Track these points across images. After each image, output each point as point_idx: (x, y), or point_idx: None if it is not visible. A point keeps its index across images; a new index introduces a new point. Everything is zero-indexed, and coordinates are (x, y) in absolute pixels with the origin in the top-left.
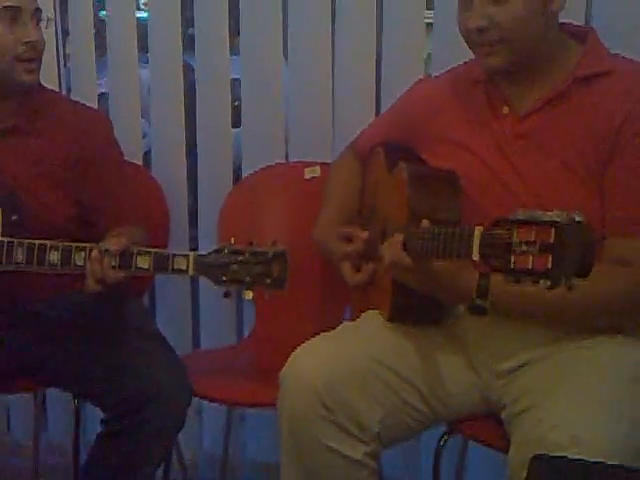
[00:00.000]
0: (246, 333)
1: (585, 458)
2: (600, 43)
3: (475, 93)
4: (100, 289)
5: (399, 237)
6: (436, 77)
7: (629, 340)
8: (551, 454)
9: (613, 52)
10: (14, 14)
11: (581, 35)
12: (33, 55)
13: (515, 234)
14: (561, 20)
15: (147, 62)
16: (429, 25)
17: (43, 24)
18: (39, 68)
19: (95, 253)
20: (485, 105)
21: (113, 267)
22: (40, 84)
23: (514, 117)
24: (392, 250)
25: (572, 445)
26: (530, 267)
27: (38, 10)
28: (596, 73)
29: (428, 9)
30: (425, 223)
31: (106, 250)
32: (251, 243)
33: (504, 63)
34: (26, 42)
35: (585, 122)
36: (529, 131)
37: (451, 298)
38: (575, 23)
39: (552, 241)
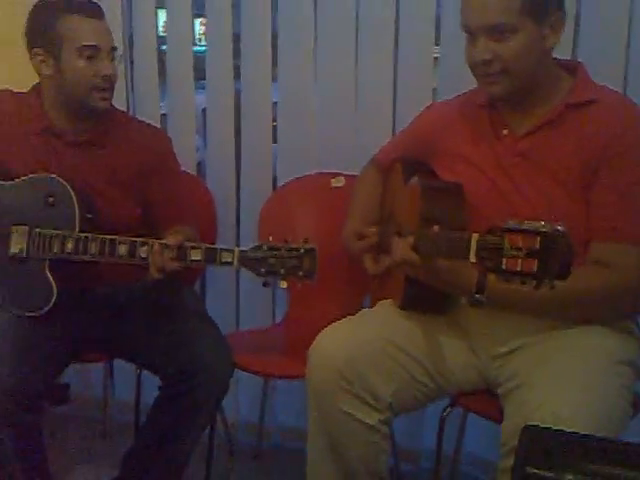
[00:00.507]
0: (278, 317)
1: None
2: (588, 75)
3: (479, 116)
4: (160, 277)
5: (410, 239)
6: (445, 102)
7: (607, 330)
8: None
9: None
10: (93, 52)
11: (572, 68)
12: (107, 86)
13: (506, 241)
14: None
15: (201, 88)
16: (436, 59)
17: (117, 60)
18: (111, 96)
19: (157, 247)
20: (488, 127)
21: (171, 259)
22: (112, 106)
23: (513, 138)
24: (403, 249)
25: (554, 422)
26: (519, 269)
27: (113, 49)
28: (584, 102)
29: (436, 45)
30: (436, 229)
31: (166, 245)
32: (286, 241)
33: (505, 91)
34: (102, 75)
35: (574, 144)
36: (525, 150)
37: (453, 291)
38: (566, 58)
39: (538, 247)
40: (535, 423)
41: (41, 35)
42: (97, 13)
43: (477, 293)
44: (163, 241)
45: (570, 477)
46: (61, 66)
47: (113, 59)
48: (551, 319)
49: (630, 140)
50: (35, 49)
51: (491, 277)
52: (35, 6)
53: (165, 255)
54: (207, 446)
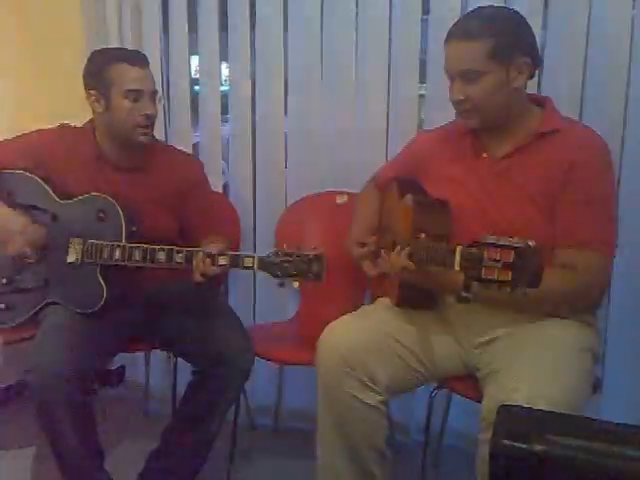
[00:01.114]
0: (290, 313)
1: None
2: (555, 108)
3: (463, 142)
4: (203, 281)
5: (407, 250)
6: (432, 130)
7: (571, 322)
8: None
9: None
10: (137, 95)
11: (541, 102)
12: (148, 124)
13: (485, 253)
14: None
15: (226, 121)
16: (422, 95)
17: (157, 101)
18: (152, 131)
19: (201, 255)
20: (470, 151)
21: (220, 265)
22: (154, 137)
23: (491, 160)
24: (401, 258)
25: (526, 401)
26: (495, 278)
27: (155, 92)
28: (552, 130)
29: (421, 83)
30: (422, 236)
31: (209, 253)
32: (298, 248)
33: (478, 124)
34: (144, 114)
35: (543, 166)
36: (502, 171)
37: (443, 291)
38: (535, 93)
39: (512, 260)
40: (510, 402)
41: (95, 78)
42: (142, 62)
43: (464, 291)
44: (207, 250)
45: (539, 447)
46: (110, 105)
47: (154, 101)
48: (524, 313)
49: (591, 162)
50: (90, 90)
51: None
52: (92, 54)
53: (207, 262)
54: (232, 423)
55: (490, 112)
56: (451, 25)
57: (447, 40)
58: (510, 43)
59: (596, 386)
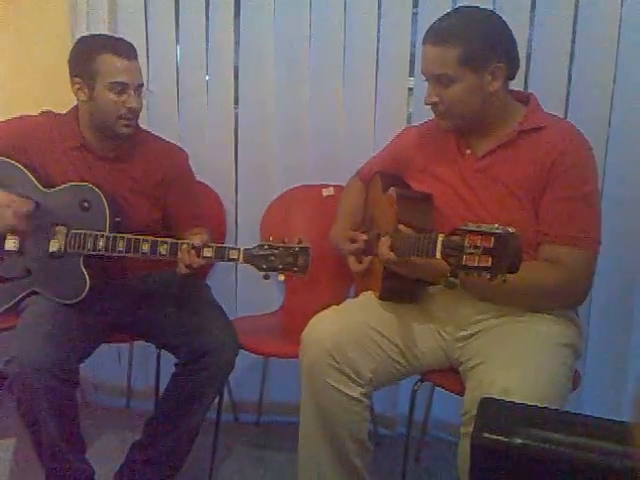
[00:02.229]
0: (273, 306)
1: None
2: (538, 105)
3: (446, 138)
4: (188, 272)
5: (387, 241)
6: (418, 126)
7: (552, 317)
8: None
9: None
10: (122, 87)
11: (524, 99)
12: (131, 117)
13: (466, 240)
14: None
15: None
16: (411, 89)
17: (143, 94)
18: (135, 124)
19: (186, 246)
20: (454, 147)
21: (204, 257)
22: (137, 125)
23: (474, 157)
24: (382, 250)
25: (506, 395)
26: (476, 265)
27: (140, 85)
28: (535, 127)
29: (410, 76)
30: (402, 227)
31: (193, 245)
32: (284, 241)
33: (453, 126)
34: (128, 107)
35: (526, 162)
36: (485, 167)
37: (430, 278)
38: (520, 89)
39: (492, 246)
40: (490, 396)
41: (81, 66)
42: (130, 54)
43: (451, 276)
44: (191, 241)
45: (519, 441)
46: (94, 95)
47: (139, 94)
48: (508, 306)
49: (574, 160)
50: (75, 77)
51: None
52: (79, 40)
53: (192, 253)
54: (215, 415)
55: (464, 116)
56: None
57: (423, 42)
58: (482, 50)
59: (577, 381)
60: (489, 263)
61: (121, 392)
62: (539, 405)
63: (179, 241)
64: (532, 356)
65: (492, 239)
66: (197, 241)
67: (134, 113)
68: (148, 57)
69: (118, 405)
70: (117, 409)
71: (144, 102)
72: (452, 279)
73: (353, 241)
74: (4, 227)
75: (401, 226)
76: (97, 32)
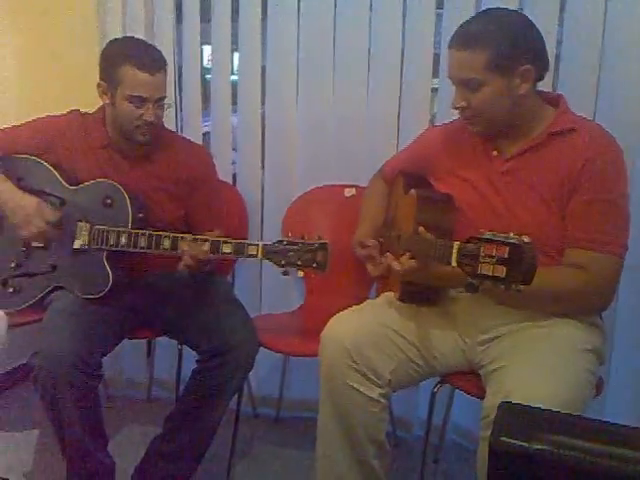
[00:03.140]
0: (297, 303)
1: None
2: (568, 107)
3: (473, 139)
4: (191, 263)
5: (408, 255)
6: (443, 125)
7: (576, 321)
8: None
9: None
10: (141, 100)
11: (554, 101)
12: (147, 129)
13: (482, 249)
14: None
15: (236, 111)
16: (435, 89)
17: (165, 106)
18: (152, 134)
19: (189, 237)
20: (480, 148)
21: (203, 251)
22: (162, 125)
23: (501, 159)
24: (403, 261)
25: (527, 400)
26: (491, 274)
27: (161, 98)
28: (564, 130)
29: (434, 77)
30: (422, 230)
31: (195, 238)
32: (303, 237)
33: (481, 130)
34: (144, 120)
35: (555, 165)
36: (511, 170)
37: (449, 283)
38: (549, 91)
39: (506, 256)
40: (510, 400)
41: (106, 72)
42: (154, 67)
43: (471, 279)
44: (195, 236)
45: (538, 446)
46: (115, 102)
47: (159, 107)
48: (531, 310)
49: (603, 163)
50: (100, 81)
51: None
52: (108, 44)
53: (196, 246)
54: (234, 412)
55: (492, 119)
56: (465, 20)
57: (449, 47)
58: (510, 53)
59: (600, 388)
60: (503, 273)
61: (143, 385)
62: (560, 410)
63: (198, 237)
64: (555, 361)
65: (507, 249)
66: (214, 234)
67: (151, 125)
68: (179, 58)
69: (140, 398)
70: (139, 403)
71: (166, 112)
72: (473, 281)
73: (363, 246)
74: (31, 235)
75: (421, 229)
76: (132, 33)
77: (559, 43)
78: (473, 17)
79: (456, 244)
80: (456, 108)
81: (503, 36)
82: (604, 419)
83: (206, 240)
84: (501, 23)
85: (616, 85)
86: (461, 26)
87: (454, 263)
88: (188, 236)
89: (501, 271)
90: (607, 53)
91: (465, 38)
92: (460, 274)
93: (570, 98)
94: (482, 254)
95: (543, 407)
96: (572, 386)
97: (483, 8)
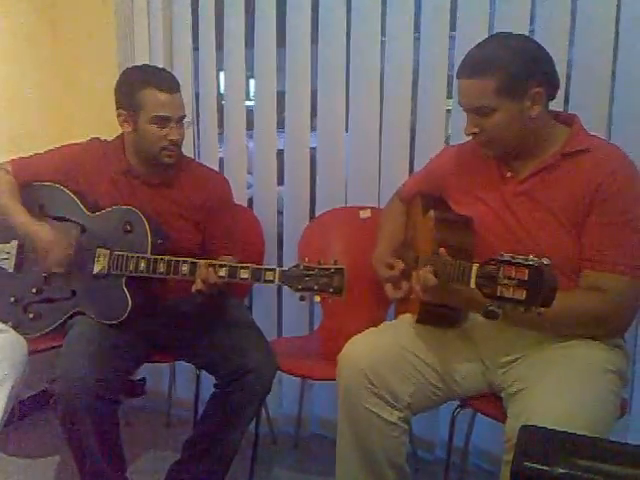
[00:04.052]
0: (314, 327)
1: None
2: (582, 127)
3: (487, 160)
4: (203, 288)
5: (430, 268)
6: (458, 146)
7: (598, 343)
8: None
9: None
10: (165, 120)
11: (568, 120)
12: (173, 148)
13: (501, 271)
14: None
15: (252, 137)
16: (449, 110)
17: (185, 125)
18: (177, 153)
19: (203, 262)
20: (494, 169)
21: (221, 277)
22: (181, 152)
23: (515, 180)
24: (426, 275)
25: (551, 424)
26: (511, 296)
27: (182, 117)
28: (579, 150)
29: (448, 98)
30: (442, 251)
31: (211, 263)
32: (319, 262)
33: (496, 153)
34: (170, 139)
35: (569, 186)
36: (526, 190)
37: (468, 304)
38: (562, 111)
39: (526, 278)
40: (533, 423)
41: (125, 99)
42: (172, 87)
43: (491, 307)
44: (212, 262)
45: (561, 470)
46: (138, 127)
47: (181, 125)
48: (553, 334)
49: (619, 184)
50: (119, 109)
51: None
52: (123, 73)
53: (209, 270)
54: (253, 435)
55: (506, 143)
56: (478, 42)
57: (458, 76)
58: (520, 77)
59: (624, 408)
60: (523, 296)
61: (162, 409)
62: (584, 433)
63: (215, 262)
64: (577, 383)
65: (527, 271)
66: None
67: (176, 144)
68: (196, 85)
69: (159, 422)
70: (158, 427)
71: (186, 132)
72: (493, 308)
73: (391, 267)
74: (48, 266)
75: (442, 250)
76: (153, 61)
77: (570, 64)
78: (479, 45)
79: (475, 265)
80: (468, 134)
81: (511, 61)
82: (628, 441)
83: (223, 266)
84: (508, 48)
85: (629, 104)
86: (468, 55)
87: (473, 284)
88: (205, 261)
89: (521, 293)
90: (619, 72)
91: (473, 66)
92: (479, 296)
93: (583, 118)
94: (501, 276)
95: (566, 430)
96: (595, 408)
97: (496, 30)
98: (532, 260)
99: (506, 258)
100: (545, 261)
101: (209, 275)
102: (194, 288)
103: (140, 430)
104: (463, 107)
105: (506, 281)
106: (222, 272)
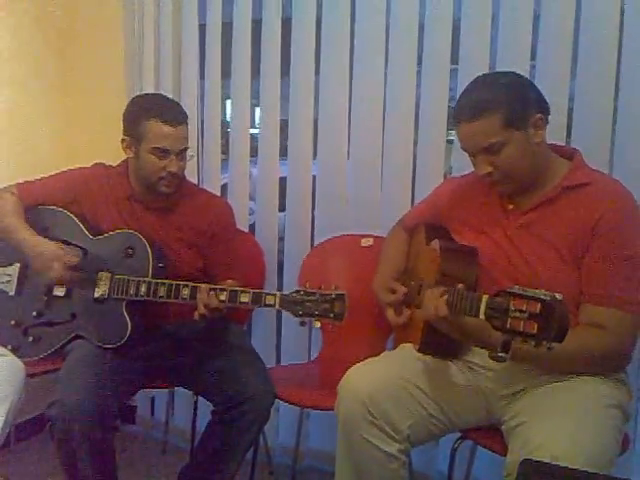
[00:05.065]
0: (314, 354)
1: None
2: (583, 161)
3: (489, 192)
4: (205, 312)
5: (444, 297)
6: (461, 177)
7: (600, 377)
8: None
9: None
10: (165, 152)
11: (569, 154)
12: (171, 180)
13: (512, 303)
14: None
15: (255, 163)
16: (450, 141)
17: (188, 156)
18: (176, 184)
19: (204, 287)
20: (496, 201)
21: (222, 301)
22: (184, 177)
23: (517, 212)
24: (437, 303)
25: (552, 459)
26: (521, 330)
27: (183, 150)
28: (580, 184)
29: (449, 129)
30: (460, 286)
31: (212, 288)
32: (320, 287)
33: (511, 190)
34: (169, 171)
35: (570, 219)
36: (527, 223)
37: (476, 344)
38: (563, 144)
39: (538, 312)
40: (534, 458)
41: (130, 126)
42: (176, 120)
43: (502, 351)
44: (212, 286)
45: None
46: (139, 156)
47: (182, 158)
48: (552, 372)
49: (619, 218)
50: (124, 136)
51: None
52: (131, 101)
53: (211, 295)
54: (250, 465)
55: (520, 175)
56: (478, 74)
57: (458, 122)
58: (520, 106)
59: (626, 445)
60: (535, 330)
61: (159, 436)
62: (585, 469)
63: (217, 286)
64: (579, 417)
65: (539, 305)
66: (235, 285)
67: (175, 176)
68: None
69: (156, 449)
70: (154, 454)
71: (188, 163)
72: (502, 354)
73: (393, 292)
74: (51, 279)
75: (461, 285)
76: (161, 90)
77: (572, 97)
78: (469, 89)
79: (485, 297)
80: (483, 175)
81: (508, 95)
82: (631, 478)
83: (224, 290)
84: (500, 85)
85: (631, 138)
86: (462, 100)
87: (482, 316)
88: (205, 286)
89: (532, 327)
90: (620, 106)
91: (473, 108)
92: (486, 329)
93: (585, 152)
94: (512, 308)
95: (567, 465)
96: (598, 443)
97: (497, 64)
98: (544, 294)
99: (517, 291)
100: (558, 296)
101: (210, 299)
102: (197, 313)
103: (136, 457)
104: (469, 150)
105: (517, 314)
106: (222, 296)
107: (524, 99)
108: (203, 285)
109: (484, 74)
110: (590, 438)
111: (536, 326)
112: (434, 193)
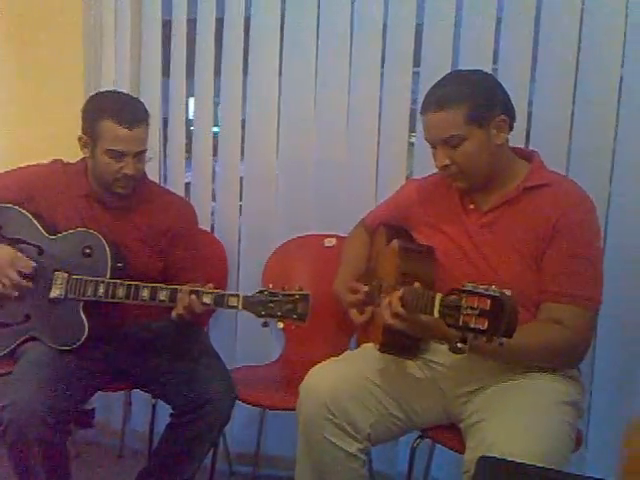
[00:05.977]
0: (275, 355)
1: None
2: (542, 162)
3: (450, 193)
4: (183, 314)
5: (398, 294)
6: (422, 178)
7: (554, 375)
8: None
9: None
10: (120, 154)
11: (528, 156)
12: (127, 181)
13: (464, 300)
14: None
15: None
16: (412, 143)
17: (146, 158)
18: (132, 185)
19: (186, 288)
20: (457, 201)
21: (203, 304)
22: (145, 176)
23: (478, 212)
24: (394, 302)
25: (507, 455)
26: (473, 326)
27: (140, 152)
28: (538, 184)
29: (412, 132)
30: (417, 285)
31: (194, 290)
32: (283, 288)
33: (467, 185)
34: (123, 173)
35: (529, 219)
36: (488, 223)
37: (431, 334)
38: (523, 147)
39: (488, 308)
40: (491, 455)
41: (86, 124)
42: (134, 122)
43: (460, 342)
44: (192, 286)
45: None
46: (95, 155)
47: (139, 160)
48: (512, 365)
49: (576, 218)
50: (81, 134)
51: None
52: (89, 98)
53: (193, 298)
54: (209, 469)
55: (477, 172)
56: (441, 77)
57: (424, 112)
58: (485, 105)
59: (580, 440)
60: (485, 325)
61: (115, 439)
62: (540, 464)
63: (179, 287)
64: (533, 414)
65: (489, 301)
66: (198, 286)
67: (131, 178)
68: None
69: (112, 452)
70: (110, 457)
71: (147, 164)
72: (460, 345)
73: (354, 292)
74: (8, 284)
75: (417, 284)
76: (120, 86)
77: (531, 102)
78: (439, 82)
79: (439, 295)
80: (440, 167)
81: (475, 91)
82: (585, 473)
83: (195, 291)
84: (469, 82)
85: (588, 140)
86: (431, 91)
87: (436, 314)
88: (166, 287)
89: (483, 323)
90: (578, 110)
91: (439, 100)
92: (441, 326)
93: (543, 154)
94: (464, 305)
95: (523, 461)
96: (551, 439)
97: (459, 66)
98: (494, 290)
99: (468, 288)
100: (507, 292)
101: (193, 302)
102: (175, 313)
103: (91, 461)
104: (431, 141)
105: (469, 311)
106: (207, 299)
107: (490, 98)
108: (185, 287)
109: (457, 70)
110: (544, 434)
111: (486, 322)
112: (396, 194)
